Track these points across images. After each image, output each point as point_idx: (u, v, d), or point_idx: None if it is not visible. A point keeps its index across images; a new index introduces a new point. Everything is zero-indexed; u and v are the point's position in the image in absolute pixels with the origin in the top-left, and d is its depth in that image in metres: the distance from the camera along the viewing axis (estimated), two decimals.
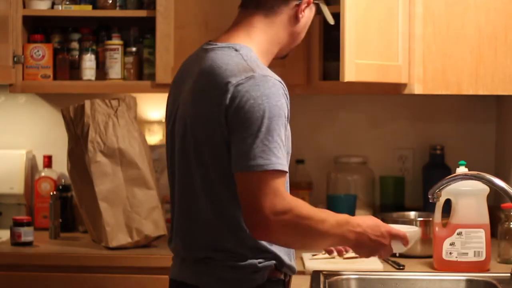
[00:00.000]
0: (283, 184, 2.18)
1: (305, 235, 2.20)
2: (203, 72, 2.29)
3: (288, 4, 2.34)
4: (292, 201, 2.18)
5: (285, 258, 2.33)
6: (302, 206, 2.19)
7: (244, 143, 2.16)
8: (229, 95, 2.18)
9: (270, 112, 2.17)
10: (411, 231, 2.36)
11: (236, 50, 2.29)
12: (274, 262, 2.30)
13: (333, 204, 3.29)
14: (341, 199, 3.29)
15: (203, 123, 2.25)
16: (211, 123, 2.23)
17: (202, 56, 2.33)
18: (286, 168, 2.20)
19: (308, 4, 2.37)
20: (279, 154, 2.17)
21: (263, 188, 2.14)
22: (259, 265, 2.29)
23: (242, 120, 2.17)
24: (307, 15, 2.39)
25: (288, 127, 2.33)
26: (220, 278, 2.29)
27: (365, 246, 2.28)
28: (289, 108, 2.26)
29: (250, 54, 2.29)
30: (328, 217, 2.24)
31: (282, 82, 2.25)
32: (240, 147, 2.16)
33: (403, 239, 2.32)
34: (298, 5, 2.35)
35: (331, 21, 2.51)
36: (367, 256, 2.33)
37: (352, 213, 3.30)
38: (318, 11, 2.47)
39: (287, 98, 2.25)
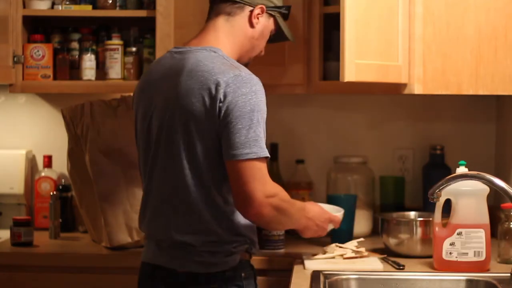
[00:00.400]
0: (267, 170, 2.49)
1: (284, 216, 2.55)
2: (190, 70, 2.54)
3: (243, 9, 2.67)
4: (276, 186, 2.53)
5: (255, 239, 2.65)
6: (283, 191, 2.55)
7: (238, 134, 2.44)
8: (221, 91, 2.46)
9: (258, 106, 2.47)
10: (340, 214, 2.88)
11: (214, 52, 2.59)
12: (246, 246, 2.60)
13: (333, 204, 3.28)
14: (341, 199, 3.28)
15: (193, 114, 2.49)
16: (203, 115, 2.48)
17: (182, 58, 2.60)
18: (268, 155, 2.49)
19: (262, 12, 2.69)
20: (264, 142, 2.48)
21: (256, 174, 2.45)
22: (233, 249, 2.57)
23: (235, 114, 2.45)
24: (263, 23, 2.71)
25: None
26: (198, 262, 2.55)
27: (310, 229, 2.73)
28: None
29: (225, 55, 2.59)
30: (295, 202, 2.66)
31: (260, 81, 2.55)
32: (234, 137, 2.44)
33: (337, 222, 2.83)
34: (251, 11, 2.67)
35: (289, 37, 2.85)
36: (309, 237, 2.76)
37: (352, 213, 3.30)
38: (277, 30, 2.78)
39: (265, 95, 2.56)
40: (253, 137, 2.44)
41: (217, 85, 2.46)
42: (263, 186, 2.45)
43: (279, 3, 2.75)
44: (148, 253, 2.66)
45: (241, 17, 2.66)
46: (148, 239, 2.68)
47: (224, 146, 2.47)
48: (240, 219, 2.56)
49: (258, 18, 2.68)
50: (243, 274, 2.60)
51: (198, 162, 2.52)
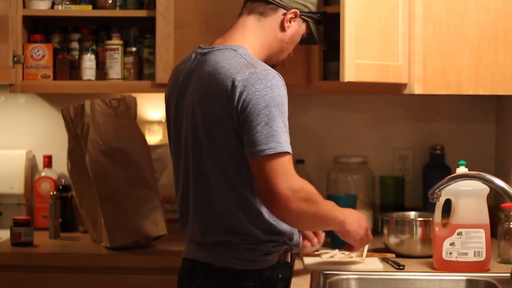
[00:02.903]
0: (292, 165, 2.44)
1: (316, 210, 2.47)
2: (209, 73, 2.51)
3: (276, 12, 2.63)
4: (303, 181, 2.45)
5: (294, 239, 2.60)
6: (311, 186, 2.47)
7: (254, 131, 2.41)
8: (237, 90, 2.43)
9: (274, 101, 2.42)
10: None
11: (234, 50, 2.54)
12: (285, 246, 2.57)
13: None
14: (341, 199, 3.28)
15: (214, 118, 2.48)
16: (223, 118, 2.46)
17: (203, 60, 2.58)
18: (290, 150, 2.45)
19: (295, 16, 2.65)
20: (285, 137, 2.43)
21: (278, 169, 2.39)
22: (272, 249, 2.54)
23: (250, 111, 2.41)
24: (294, 27, 2.67)
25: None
26: (235, 258, 2.53)
27: (352, 227, 2.63)
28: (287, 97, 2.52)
29: (247, 53, 2.55)
30: (326, 200, 2.56)
31: (280, 75, 2.50)
32: (251, 135, 2.41)
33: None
34: (284, 14, 2.63)
35: (321, 43, 2.82)
36: (356, 242, 2.66)
37: None
38: (309, 34, 2.74)
39: (285, 88, 2.50)
40: (270, 132, 2.40)
41: (233, 86, 2.44)
42: (287, 180, 2.39)
43: (314, 9, 2.71)
44: (189, 249, 2.63)
45: (273, 19, 2.62)
46: (190, 240, 2.65)
47: (244, 146, 2.44)
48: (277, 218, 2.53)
49: (290, 22, 2.64)
50: (280, 276, 2.56)
51: (225, 165, 2.49)
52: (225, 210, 2.51)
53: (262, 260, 2.54)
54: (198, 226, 2.57)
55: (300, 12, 2.65)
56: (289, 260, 2.63)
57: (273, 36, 2.63)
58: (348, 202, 3.26)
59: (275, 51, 2.66)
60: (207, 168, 2.51)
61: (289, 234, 2.58)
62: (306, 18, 2.69)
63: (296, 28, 2.67)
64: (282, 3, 2.62)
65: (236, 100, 2.42)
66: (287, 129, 2.46)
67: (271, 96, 2.42)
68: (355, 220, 2.64)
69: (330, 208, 2.56)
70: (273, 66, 2.67)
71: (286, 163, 2.41)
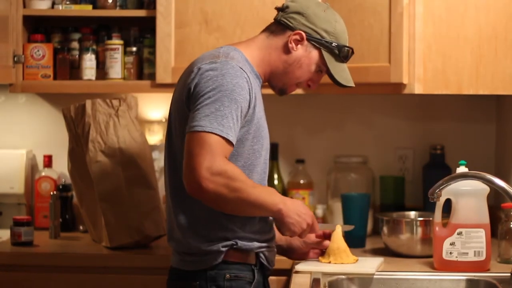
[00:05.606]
0: (222, 150, 2.37)
1: (239, 197, 2.39)
2: (188, 66, 2.55)
3: (284, 32, 2.58)
4: (227, 165, 2.38)
5: (242, 237, 2.51)
6: (236, 170, 2.40)
7: (193, 110, 2.40)
8: (194, 78, 2.43)
9: (222, 86, 2.39)
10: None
11: (221, 47, 2.54)
12: (231, 243, 2.49)
13: (346, 203, 3.27)
14: (354, 198, 3.26)
15: (179, 111, 2.48)
16: (185, 110, 2.45)
17: None
18: (229, 137, 2.38)
19: (301, 39, 2.57)
20: (224, 123, 2.37)
21: (203, 148, 2.35)
22: (215, 248, 2.49)
23: (196, 92, 2.41)
24: (301, 52, 2.58)
25: (258, 117, 2.51)
26: (179, 259, 2.55)
27: (290, 219, 2.48)
28: (252, 94, 2.46)
29: (229, 52, 2.51)
30: (259, 185, 2.49)
31: (247, 72, 2.47)
32: (191, 114, 2.40)
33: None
34: (290, 36, 2.57)
35: (339, 79, 2.63)
36: (292, 232, 2.50)
37: (365, 213, 3.28)
38: (323, 63, 2.60)
39: (248, 83, 2.45)
40: (206, 113, 2.37)
41: (192, 72, 2.45)
42: (209, 161, 2.34)
43: (330, 38, 2.58)
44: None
45: (280, 39, 2.58)
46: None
47: None
48: (225, 216, 2.48)
49: (294, 44, 2.56)
50: (227, 276, 2.51)
51: (176, 160, 2.51)
52: (179, 207, 2.53)
53: (204, 260, 2.50)
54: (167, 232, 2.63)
55: (307, 36, 2.56)
56: (242, 261, 2.55)
57: (277, 55, 2.58)
58: (361, 201, 3.24)
59: (278, 72, 2.59)
60: (166, 164, 2.56)
61: (237, 234, 2.51)
62: (317, 45, 2.58)
63: (303, 52, 2.58)
64: (289, 24, 2.57)
65: (190, 86, 2.43)
66: (234, 116, 2.39)
67: (221, 82, 2.39)
68: (295, 212, 2.49)
69: (262, 194, 2.44)
70: (284, 91, 2.64)
71: (215, 144, 2.36)
